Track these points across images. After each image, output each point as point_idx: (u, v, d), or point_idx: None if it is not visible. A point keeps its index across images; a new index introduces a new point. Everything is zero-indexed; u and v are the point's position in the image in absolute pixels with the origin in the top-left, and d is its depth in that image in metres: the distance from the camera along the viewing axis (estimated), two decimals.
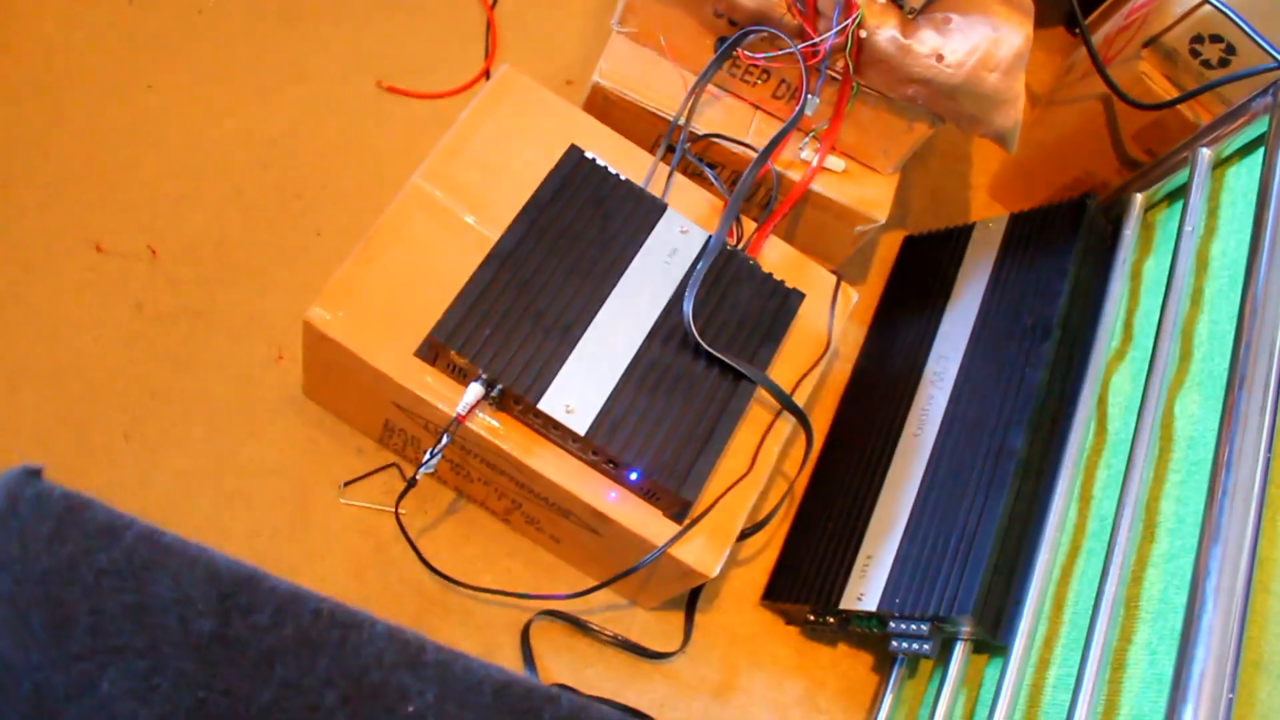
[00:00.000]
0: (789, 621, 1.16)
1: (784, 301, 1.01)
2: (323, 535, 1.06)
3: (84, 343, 1.07)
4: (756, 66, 1.08)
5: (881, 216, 1.13)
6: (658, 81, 1.10)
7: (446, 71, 1.29)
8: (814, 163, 1.09)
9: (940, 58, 1.01)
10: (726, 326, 0.98)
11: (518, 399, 0.91)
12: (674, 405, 0.94)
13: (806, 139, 1.11)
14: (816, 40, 1.01)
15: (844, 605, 1.05)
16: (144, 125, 1.16)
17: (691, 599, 1.13)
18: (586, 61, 1.34)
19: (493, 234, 0.98)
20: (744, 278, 1.00)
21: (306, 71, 1.23)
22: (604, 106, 1.11)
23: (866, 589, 1.04)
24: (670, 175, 1.05)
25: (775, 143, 1.03)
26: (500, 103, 1.04)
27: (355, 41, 1.27)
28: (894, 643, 1.03)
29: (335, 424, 1.10)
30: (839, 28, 0.99)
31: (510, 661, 1.06)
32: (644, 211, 0.99)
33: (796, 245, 1.09)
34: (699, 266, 0.98)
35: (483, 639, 1.06)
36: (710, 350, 0.95)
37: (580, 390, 0.92)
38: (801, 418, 0.99)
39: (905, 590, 1.01)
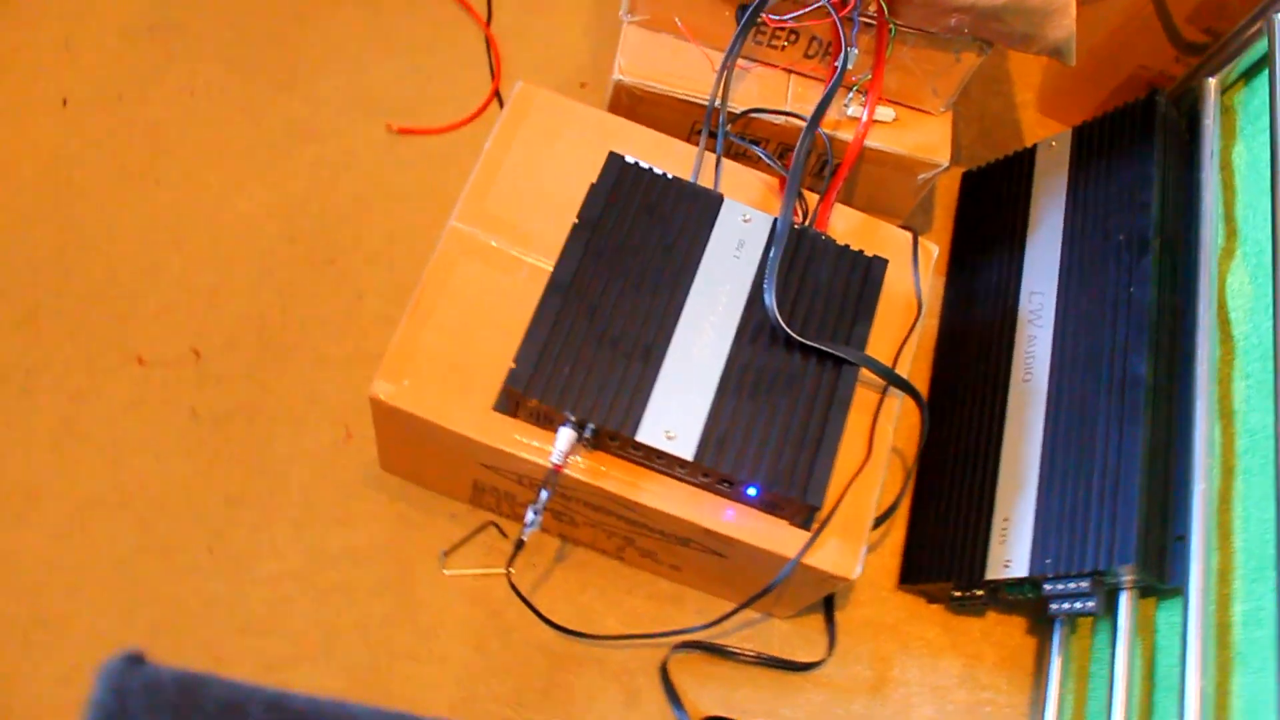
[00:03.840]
0: (931, 600, 1.09)
1: (867, 272, 0.94)
2: (433, 612, 1.00)
3: (146, 463, 1.01)
4: (784, 29, 1.00)
5: (944, 159, 1.05)
6: (682, 66, 1.03)
7: (456, 100, 1.22)
8: (864, 117, 1.02)
9: None
10: (814, 311, 0.91)
11: (613, 435, 0.85)
12: (779, 408, 0.87)
13: (850, 94, 1.03)
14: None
15: (991, 575, 0.99)
16: (160, 223, 1.11)
17: (829, 600, 1.06)
18: (597, 60, 1.27)
19: (546, 264, 0.92)
20: (820, 254, 0.93)
21: (312, 130, 1.17)
22: (630, 104, 1.04)
23: (1012, 554, 0.98)
24: (718, 162, 0.98)
25: (824, 105, 0.96)
26: (522, 123, 0.98)
27: (355, 90, 1.20)
28: (1053, 606, 0.96)
29: (420, 493, 1.04)
30: None
31: (654, 703, 1.00)
32: (701, 207, 0.93)
33: (857, 206, 1.02)
34: (771, 254, 0.91)
35: (622, 686, 1.00)
36: (803, 341, 0.88)
37: (677, 412, 0.85)
38: (914, 393, 0.92)
39: (1055, 548, 0.95)
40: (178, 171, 1.13)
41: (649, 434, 0.84)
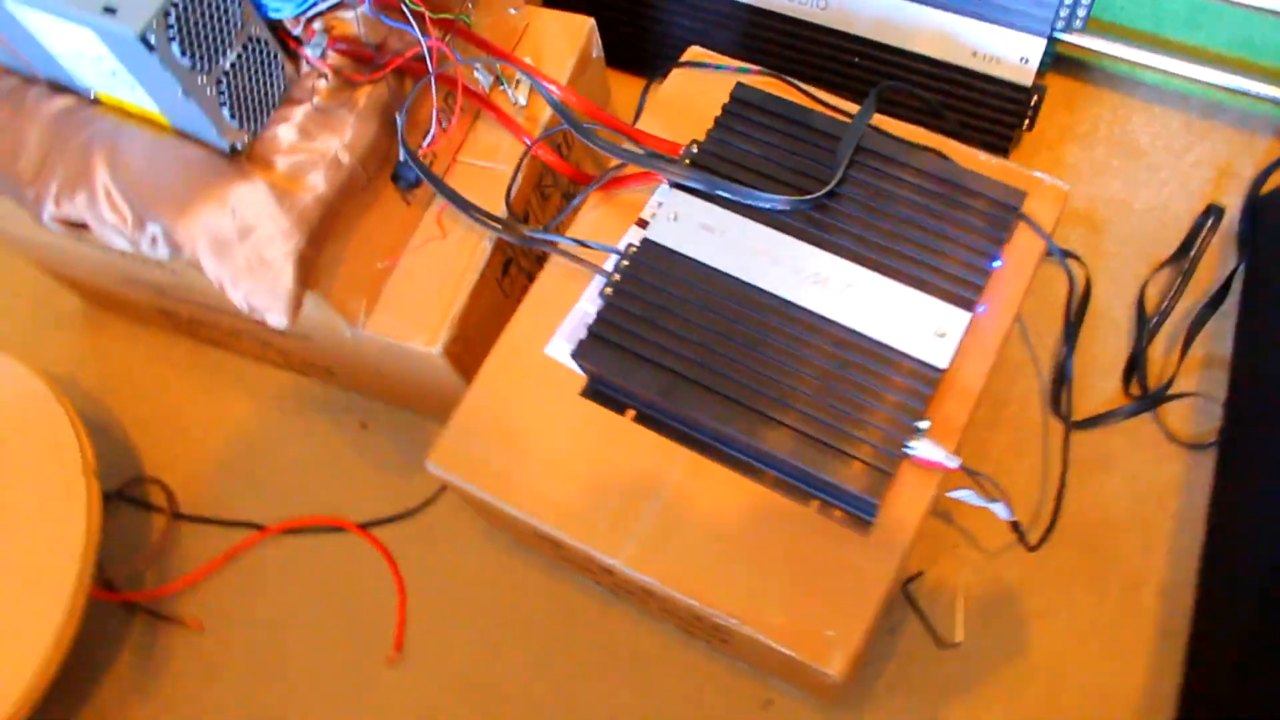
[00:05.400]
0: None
1: (741, 99, 0.85)
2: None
3: None
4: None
5: (587, 20, 0.97)
6: (449, 260, 0.88)
7: (376, 596, 1.00)
8: (529, 87, 0.91)
9: None
10: (783, 170, 0.83)
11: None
12: (899, 214, 0.80)
13: (510, 90, 0.91)
14: (422, 49, 0.80)
15: (1018, 80, 0.98)
16: None
17: None
18: (354, 406, 1.06)
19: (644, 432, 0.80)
20: (719, 152, 0.83)
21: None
22: (465, 336, 0.87)
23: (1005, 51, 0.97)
24: (561, 240, 0.85)
25: (548, 130, 0.84)
26: (471, 454, 0.80)
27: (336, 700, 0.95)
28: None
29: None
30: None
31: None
32: (649, 258, 0.80)
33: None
34: (716, 190, 0.81)
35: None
36: (836, 182, 0.80)
37: (907, 318, 0.77)
38: (892, 84, 0.86)
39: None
40: None
41: (936, 355, 0.76)
